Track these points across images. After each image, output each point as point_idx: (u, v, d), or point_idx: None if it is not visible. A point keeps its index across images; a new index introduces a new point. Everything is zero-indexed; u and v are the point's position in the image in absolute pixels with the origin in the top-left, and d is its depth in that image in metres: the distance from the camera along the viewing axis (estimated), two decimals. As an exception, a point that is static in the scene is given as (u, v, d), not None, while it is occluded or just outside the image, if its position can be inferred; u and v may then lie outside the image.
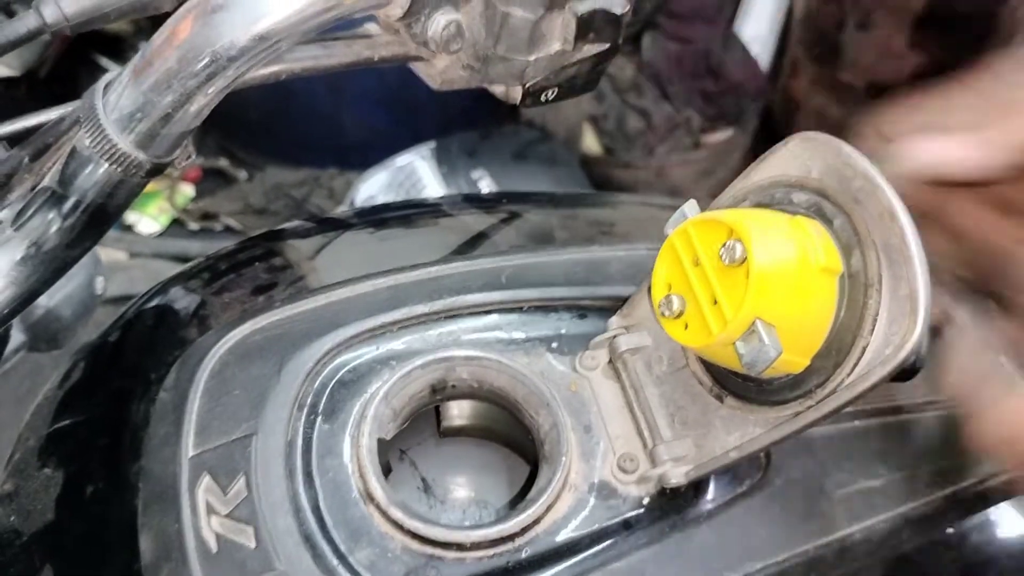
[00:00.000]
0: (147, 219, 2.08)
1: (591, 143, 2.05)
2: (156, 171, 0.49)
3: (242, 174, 2.14)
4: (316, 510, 0.51)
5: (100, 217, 0.51)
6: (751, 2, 2.12)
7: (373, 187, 1.91)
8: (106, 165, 0.48)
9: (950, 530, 0.57)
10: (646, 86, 2.05)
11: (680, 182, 2.04)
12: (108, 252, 1.98)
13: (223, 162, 2.14)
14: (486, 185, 1.86)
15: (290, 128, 2.07)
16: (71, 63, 1.94)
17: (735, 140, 2.06)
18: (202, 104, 0.47)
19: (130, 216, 2.08)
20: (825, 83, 1.94)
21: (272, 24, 0.45)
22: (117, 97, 0.48)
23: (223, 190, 2.13)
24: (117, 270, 1.95)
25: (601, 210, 0.73)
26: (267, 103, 2.02)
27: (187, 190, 2.12)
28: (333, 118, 2.02)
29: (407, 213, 0.74)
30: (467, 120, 2.07)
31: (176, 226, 2.09)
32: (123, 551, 0.52)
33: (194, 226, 2.07)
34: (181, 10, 0.46)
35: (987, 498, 0.59)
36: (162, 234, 2.07)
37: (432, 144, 1.98)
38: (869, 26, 1.80)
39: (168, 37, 0.46)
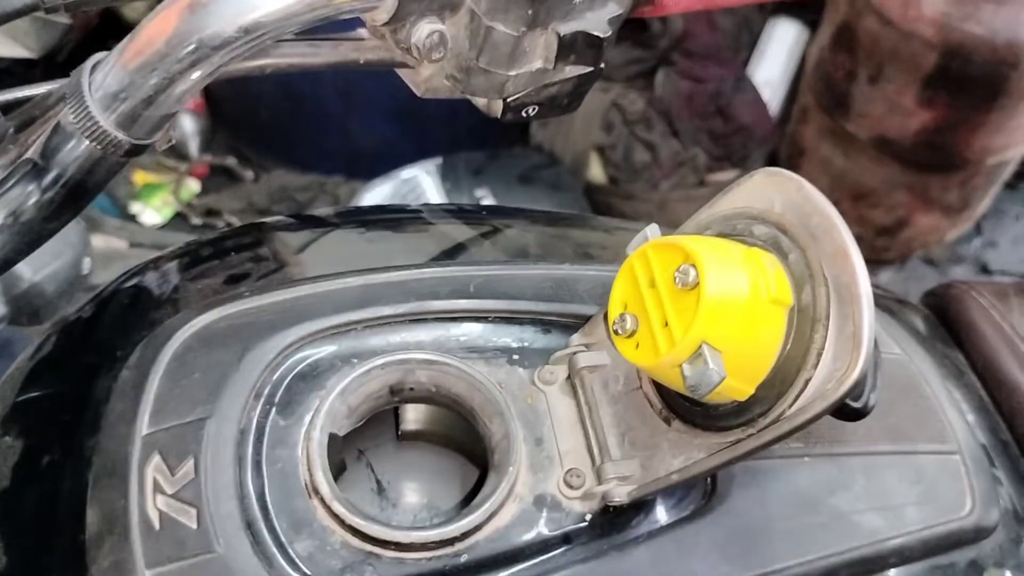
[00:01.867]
0: (151, 211, 2.10)
1: (597, 172, 2.07)
2: (135, 152, 0.50)
3: (249, 174, 2.16)
4: (261, 498, 0.52)
5: (78, 193, 0.52)
6: (765, 46, 2.14)
7: (377, 197, 1.93)
8: (87, 142, 0.49)
9: (892, 573, 0.58)
10: (656, 121, 2.07)
11: (681, 218, 2.02)
12: (109, 240, 1.99)
13: (231, 161, 2.16)
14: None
15: (300, 132, 2.09)
16: (90, 50, 1.97)
17: (739, 181, 2.07)
18: (184, 89, 0.48)
19: (134, 206, 2.10)
20: (833, 133, 1.96)
21: (258, 18, 0.47)
22: (103, 76, 0.49)
23: (228, 188, 2.15)
24: (116, 258, 1.97)
25: (580, 231, 0.74)
26: (278, 106, 2.04)
27: (193, 185, 2.15)
28: (342, 125, 2.04)
29: (390, 217, 0.75)
30: (475, 139, 2.09)
31: (179, 220, 2.11)
32: (70, 523, 0.53)
33: (196, 221, 2.09)
34: (172, -3, 0.47)
35: (930, 547, 0.59)
36: (164, 226, 2.09)
37: (439, 160, 1.99)
38: (880, 80, 1.82)
39: (157, 22, 0.47)
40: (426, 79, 0.55)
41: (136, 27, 0.48)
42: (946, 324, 0.78)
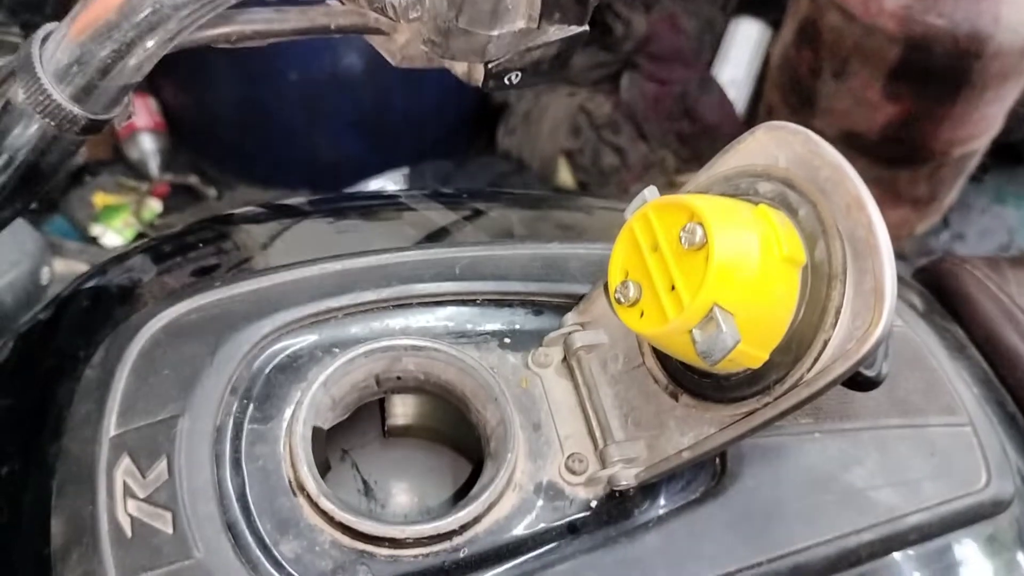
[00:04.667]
0: (112, 232, 2.04)
1: (566, 177, 2.05)
2: (92, 129, 0.47)
3: (211, 192, 2.11)
4: (242, 498, 0.48)
5: (32, 176, 0.48)
6: (729, 47, 2.14)
7: (343, 210, 1.89)
8: (40, 120, 0.46)
9: (911, 551, 0.55)
10: (623, 124, 2.05)
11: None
12: (70, 264, 1.93)
13: (193, 179, 2.11)
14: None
15: (263, 148, 2.05)
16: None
17: (709, 182, 2.06)
18: (142, 58, 0.45)
19: (95, 228, 2.05)
20: (800, 130, 1.95)
21: (218, -24, 0.43)
22: (55, 48, 0.46)
23: (191, 207, 2.10)
24: (76, 282, 1.92)
25: (564, 211, 0.71)
26: (239, 120, 2.00)
27: (154, 205, 2.09)
28: (307, 139, 2.00)
29: (364, 204, 0.71)
30: (442, 150, 2.06)
31: (142, 240, 2.06)
32: (34, 535, 0.49)
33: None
34: (124, -43, 0.44)
35: (948, 522, 0.56)
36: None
37: (405, 170, 1.96)
38: (844, 75, 1.82)
39: (111, -14, 0.44)
40: (402, 46, 0.52)
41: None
42: (942, 299, 0.76)
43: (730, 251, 0.42)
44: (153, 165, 2.09)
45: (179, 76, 1.96)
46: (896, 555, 0.54)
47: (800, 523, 0.52)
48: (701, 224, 0.42)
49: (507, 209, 0.66)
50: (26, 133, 0.47)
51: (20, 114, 0.46)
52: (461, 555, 0.48)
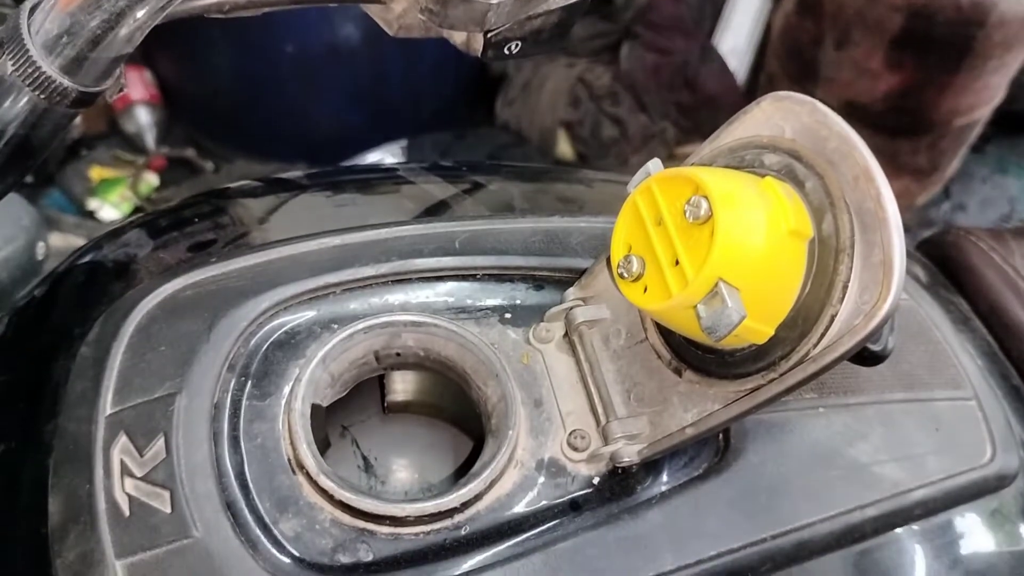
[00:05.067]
0: (108, 206, 2.03)
1: (565, 149, 2.03)
2: (83, 101, 0.46)
3: (208, 165, 2.09)
4: (240, 476, 0.48)
5: (23, 151, 0.47)
6: (730, 16, 2.12)
7: (342, 183, 1.87)
8: (30, 92, 0.45)
9: (915, 527, 0.54)
10: (623, 95, 2.03)
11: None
12: (67, 238, 1.93)
13: (189, 152, 2.09)
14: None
15: (259, 120, 2.03)
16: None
17: (709, 153, 2.04)
18: (133, 28, 0.44)
19: (91, 202, 2.03)
20: (801, 100, 1.93)
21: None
22: (43, 18, 0.44)
23: (188, 180, 2.08)
24: (73, 256, 1.90)
25: (565, 184, 0.70)
26: (236, 93, 1.98)
27: (151, 179, 2.08)
28: (303, 112, 1.98)
29: (363, 177, 0.70)
30: (441, 122, 2.04)
31: (138, 215, 2.04)
32: (31, 514, 0.48)
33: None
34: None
35: (953, 497, 0.56)
36: (123, 222, 2.02)
37: (404, 142, 1.95)
38: (846, 44, 1.80)
39: (101, -46, 0.43)
40: (399, 16, 0.51)
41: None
42: (946, 271, 0.75)
43: (736, 225, 0.41)
44: (149, 138, 2.08)
45: (174, 48, 1.94)
46: (900, 530, 0.54)
47: (804, 499, 0.52)
48: (706, 197, 0.41)
49: (507, 182, 0.65)
50: (15, 107, 0.45)
51: (9, 87, 0.45)
52: (463, 532, 0.48)
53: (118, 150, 2.09)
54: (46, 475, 0.49)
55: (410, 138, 1.97)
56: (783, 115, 0.46)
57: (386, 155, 1.94)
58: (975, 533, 0.58)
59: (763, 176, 0.44)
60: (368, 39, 1.81)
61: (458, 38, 0.51)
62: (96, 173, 2.06)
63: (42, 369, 0.54)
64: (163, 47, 1.97)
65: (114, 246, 0.60)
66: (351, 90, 1.94)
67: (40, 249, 0.87)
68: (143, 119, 2.06)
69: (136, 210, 2.03)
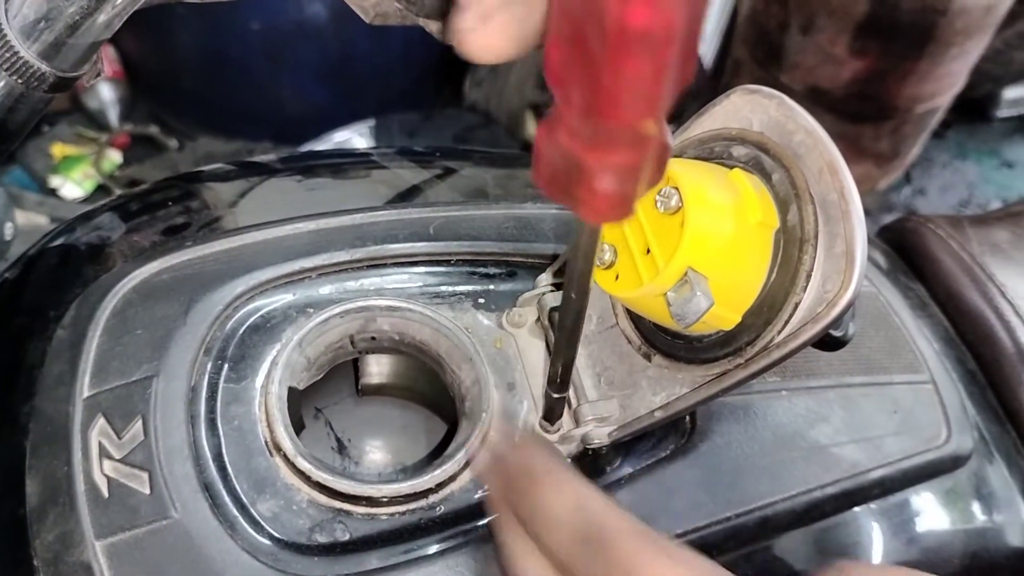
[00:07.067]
0: (71, 184, 2.00)
1: (533, 130, 2.04)
2: (60, 86, 0.46)
3: (172, 143, 2.07)
4: (218, 458, 0.48)
5: (-1, 135, 0.47)
6: None
7: (309, 162, 1.86)
8: (7, 77, 0.45)
9: (873, 505, 0.57)
10: (590, 78, 2.04)
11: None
12: (29, 216, 1.90)
13: (153, 129, 2.07)
14: (424, 166, 1.83)
15: (225, 97, 2.01)
16: None
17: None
18: (111, 14, 0.44)
19: (54, 180, 2.01)
20: (766, 85, 1.95)
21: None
22: (21, 3, 0.44)
23: (152, 158, 2.06)
24: (38, 235, 1.88)
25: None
26: (201, 70, 1.96)
27: (114, 156, 2.05)
28: (270, 89, 1.96)
29: (336, 162, 0.71)
30: (408, 101, 2.03)
31: (101, 193, 2.01)
32: (8, 496, 0.49)
33: (119, 193, 2.00)
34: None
35: (909, 477, 0.58)
36: (86, 200, 1.99)
37: (371, 122, 1.94)
38: (811, 30, 1.81)
39: (79, -61, 0.43)
40: (375, 3, 0.51)
41: (56, -55, 0.43)
42: (905, 258, 0.77)
43: (705, 216, 0.42)
44: (112, 115, 2.05)
45: (139, 24, 1.91)
46: (859, 509, 0.56)
47: (767, 479, 0.54)
48: (677, 189, 0.42)
49: (480, 168, 0.66)
50: (-8, 92, 0.46)
51: (-14, 71, 0.45)
52: (437, 512, 0.49)
53: (80, 127, 2.06)
54: (23, 457, 0.49)
55: (377, 117, 1.96)
56: (751, 108, 0.47)
57: (353, 134, 1.93)
58: (930, 512, 0.60)
59: (731, 168, 0.46)
60: (336, 17, 1.80)
61: (434, 27, 0.52)
62: (58, 150, 2.03)
63: (16, 351, 0.54)
64: (127, 23, 1.93)
65: (87, 229, 0.60)
66: (318, 68, 1.93)
67: (8, 229, 0.86)
68: (106, 96, 2.03)
69: (99, 188, 2.01)
